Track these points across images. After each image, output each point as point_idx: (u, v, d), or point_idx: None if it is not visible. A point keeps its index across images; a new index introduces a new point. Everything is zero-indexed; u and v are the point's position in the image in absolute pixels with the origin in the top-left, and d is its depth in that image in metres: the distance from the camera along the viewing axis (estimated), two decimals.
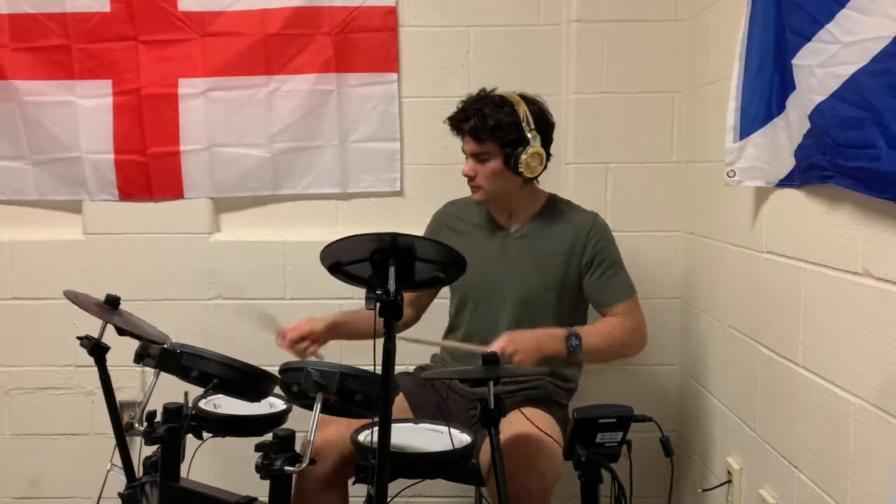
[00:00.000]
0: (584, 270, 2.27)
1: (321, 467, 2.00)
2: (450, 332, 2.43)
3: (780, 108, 1.79)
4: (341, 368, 1.73)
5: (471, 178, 2.25)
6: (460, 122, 2.23)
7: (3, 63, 2.76)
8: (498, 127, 2.17)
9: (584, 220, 2.31)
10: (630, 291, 2.29)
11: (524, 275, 2.25)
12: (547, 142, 2.25)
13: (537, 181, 2.32)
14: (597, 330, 2.21)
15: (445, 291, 2.48)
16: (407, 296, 2.35)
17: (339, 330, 2.32)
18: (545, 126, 2.24)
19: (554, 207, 2.34)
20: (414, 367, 2.44)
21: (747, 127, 1.92)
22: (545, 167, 2.26)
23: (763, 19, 1.83)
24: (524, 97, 2.23)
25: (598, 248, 2.27)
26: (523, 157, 2.17)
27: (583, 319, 2.35)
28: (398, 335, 1.59)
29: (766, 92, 1.83)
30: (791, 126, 1.75)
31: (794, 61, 1.66)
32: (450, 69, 2.77)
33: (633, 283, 2.31)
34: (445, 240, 2.08)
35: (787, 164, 1.79)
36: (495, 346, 1.98)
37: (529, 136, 2.17)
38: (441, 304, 2.49)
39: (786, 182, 1.83)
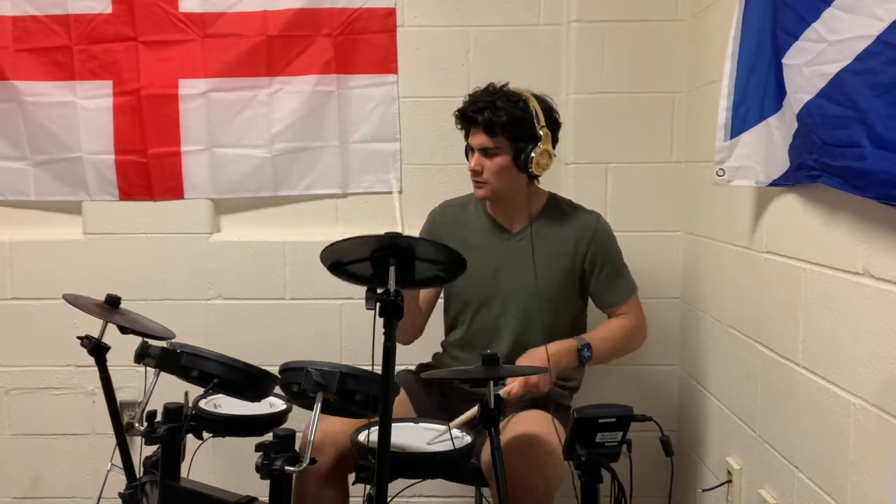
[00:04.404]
0: (588, 272, 2.28)
1: (320, 462, 1.99)
2: (448, 332, 2.42)
3: (776, 107, 1.79)
4: (341, 368, 1.74)
5: (477, 174, 2.21)
6: (473, 113, 2.16)
7: (4, 64, 2.76)
8: (511, 122, 2.13)
9: (588, 221, 2.31)
10: (633, 289, 2.33)
11: (528, 277, 2.22)
12: (555, 141, 2.23)
13: (538, 181, 2.31)
14: (605, 335, 2.24)
15: None
16: (424, 303, 2.35)
17: None
18: (554, 125, 2.23)
19: (556, 208, 2.33)
20: (415, 366, 2.44)
21: (738, 126, 1.91)
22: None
23: (757, 18, 1.82)
24: (534, 95, 2.20)
25: (602, 249, 2.27)
26: (534, 154, 2.14)
27: (584, 318, 2.37)
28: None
29: (760, 91, 1.82)
30: (785, 126, 1.75)
31: (784, 60, 1.66)
32: (450, 69, 2.77)
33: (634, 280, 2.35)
34: (445, 242, 2.06)
35: (782, 164, 1.78)
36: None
37: (541, 133, 2.15)
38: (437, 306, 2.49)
39: (780, 182, 1.82)
